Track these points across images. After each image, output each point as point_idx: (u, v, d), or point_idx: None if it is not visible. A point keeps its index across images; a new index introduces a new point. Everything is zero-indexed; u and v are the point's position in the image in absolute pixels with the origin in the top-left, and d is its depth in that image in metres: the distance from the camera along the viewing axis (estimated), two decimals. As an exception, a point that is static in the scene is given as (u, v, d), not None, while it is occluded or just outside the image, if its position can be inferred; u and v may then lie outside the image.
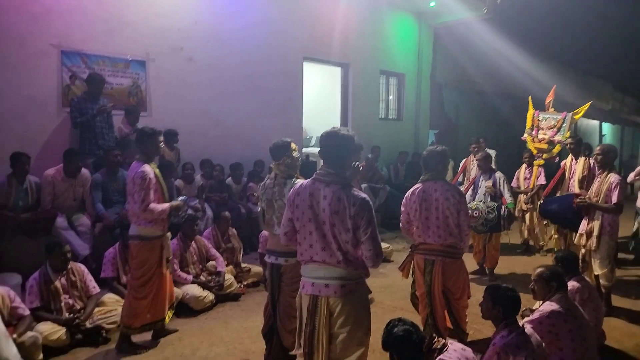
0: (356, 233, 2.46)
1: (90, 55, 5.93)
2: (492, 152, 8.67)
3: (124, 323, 3.85)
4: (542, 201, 5.97)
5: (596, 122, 20.98)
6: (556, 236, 5.77)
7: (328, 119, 9.98)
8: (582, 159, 5.80)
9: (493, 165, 6.65)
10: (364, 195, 2.50)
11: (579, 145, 5.98)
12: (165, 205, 3.81)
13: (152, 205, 3.66)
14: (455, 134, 12.00)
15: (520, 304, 2.87)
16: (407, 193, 3.80)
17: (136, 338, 3.98)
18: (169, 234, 3.99)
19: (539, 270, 3.35)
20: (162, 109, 6.58)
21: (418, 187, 3.71)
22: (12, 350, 1.10)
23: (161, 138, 3.91)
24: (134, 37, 6.28)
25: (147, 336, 4.06)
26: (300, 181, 3.24)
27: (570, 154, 5.97)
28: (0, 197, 4.86)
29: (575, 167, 5.84)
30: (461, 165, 7.48)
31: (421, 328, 3.82)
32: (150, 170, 3.71)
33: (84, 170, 5.36)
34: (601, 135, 21.66)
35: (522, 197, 7.19)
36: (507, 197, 5.75)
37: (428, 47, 10.85)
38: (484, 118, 13.34)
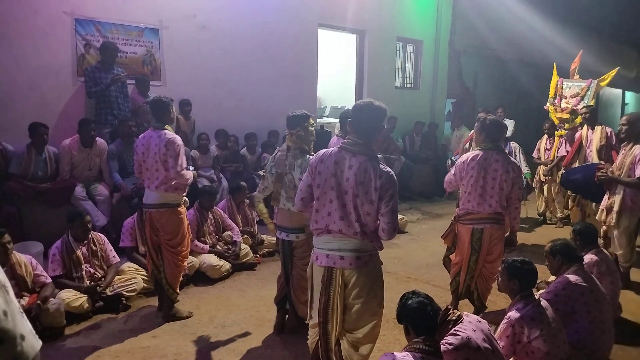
0: (379, 205, 2.45)
1: (104, 23, 5.88)
2: (511, 122, 8.52)
3: (173, 287, 3.91)
4: (563, 171, 5.83)
5: (619, 91, 20.35)
6: (575, 208, 5.68)
7: (343, 89, 9.87)
8: (598, 128, 5.63)
9: (510, 135, 6.55)
10: (389, 169, 2.49)
11: (594, 115, 5.76)
12: (193, 172, 3.90)
13: (185, 170, 3.73)
14: (473, 103, 11.76)
15: (537, 277, 2.85)
16: (464, 157, 3.73)
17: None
18: (187, 199, 4.00)
19: (547, 245, 3.35)
20: (176, 78, 6.55)
21: (478, 155, 3.64)
22: (27, 327, 1.13)
23: (174, 106, 3.92)
24: (147, 4, 6.20)
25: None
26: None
27: (586, 124, 5.79)
28: (19, 167, 4.94)
29: (592, 137, 5.66)
30: (470, 133, 7.28)
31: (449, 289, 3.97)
32: (178, 137, 3.76)
33: (100, 140, 5.40)
34: (624, 104, 21.06)
35: (541, 169, 7.07)
36: (523, 167, 5.66)
37: (447, 13, 10.51)
38: (503, 86, 13.02)
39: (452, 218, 3.93)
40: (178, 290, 4.01)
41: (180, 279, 4.07)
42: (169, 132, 3.72)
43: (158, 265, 3.91)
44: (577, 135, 5.96)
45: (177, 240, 3.86)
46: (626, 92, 20.88)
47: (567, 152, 6.42)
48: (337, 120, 8.96)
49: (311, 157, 3.22)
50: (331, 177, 2.49)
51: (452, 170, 3.83)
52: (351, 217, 2.47)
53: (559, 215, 7.09)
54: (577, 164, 5.79)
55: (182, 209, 3.89)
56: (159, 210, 3.79)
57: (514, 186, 3.62)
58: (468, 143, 6.66)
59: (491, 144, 3.67)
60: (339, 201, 2.48)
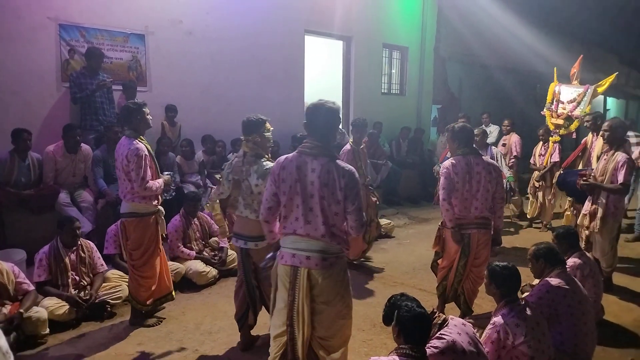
0: (345, 204, 2.48)
1: (89, 29, 5.84)
2: (495, 128, 8.64)
3: (135, 299, 3.87)
4: (561, 172, 5.78)
5: (600, 97, 20.68)
6: (568, 213, 5.63)
7: (330, 94, 9.88)
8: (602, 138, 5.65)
9: (494, 140, 6.65)
10: (350, 167, 2.51)
11: (596, 121, 5.63)
12: (160, 181, 3.74)
13: (150, 183, 3.60)
14: (458, 109, 11.88)
15: (520, 281, 2.86)
16: (447, 164, 3.73)
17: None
18: (162, 209, 3.90)
19: (531, 248, 3.38)
20: (162, 84, 6.51)
21: (459, 160, 3.68)
22: (1, 340, 1.11)
23: (147, 110, 3.71)
24: (133, 10, 6.16)
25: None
26: (269, 163, 3.20)
27: (591, 131, 5.71)
28: (2, 173, 4.87)
29: (595, 143, 5.58)
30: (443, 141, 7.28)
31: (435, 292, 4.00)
32: (143, 146, 3.59)
33: (85, 146, 5.34)
34: (605, 110, 21.44)
35: (536, 174, 7.12)
36: (506, 171, 5.74)
37: (432, 20, 10.64)
38: (487, 92, 13.17)
39: (440, 223, 3.96)
40: (147, 303, 3.89)
41: (154, 298, 3.94)
42: (136, 143, 3.55)
43: None
44: (583, 140, 5.93)
45: (138, 251, 3.76)
46: (607, 97, 21.27)
47: (560, 158, 6.48)
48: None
49: (268, 162, 3.22)
50: (296, 183, 2.50)
51: (445, 180, 3.71)
52: (318, 220, 2.48)
53: (547, 220, 7.16)
54: (579, 167, 5.73)
55: (152, 219, 3.76)
56: (128, 220, 3.73)
57: (497, 185, 3.71)
58: (449, 152, 6.76)
59: (467, 149, 3.73)
60: (305, 205, 2.50)
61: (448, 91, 11.93)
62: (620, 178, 4.34)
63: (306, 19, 8.13)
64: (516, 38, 11.49)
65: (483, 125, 6.79)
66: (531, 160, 7.22)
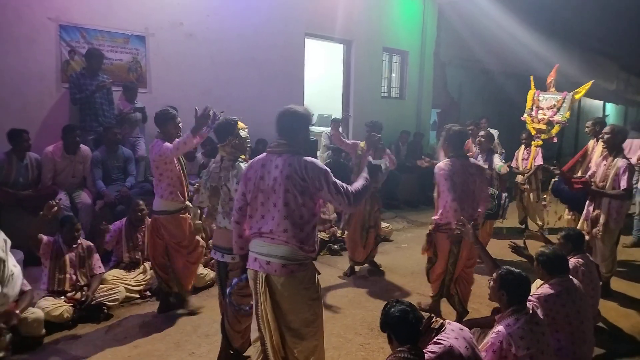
0: (319, 195, 2.53)
1: (89, 30, 5.84)
2: (495, 132, 8.62)
3: (183, 286, 4.22)
4: (556, 179, 5.84)
5: (600, 103, 20.78)
6: (568, 217, 5.63)
7: (330, 98, 9.92)
8: (601, 143, 5.66)
9: (496, 145, 6.65)
10: (311, 158, 2.56)
11: (596, 127, 5.60)
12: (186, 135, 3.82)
13: (176, 141, 3.79)
14: (458, 113, 11.91)
15: (529, 290, 2.79)
16: (444, 165, 3.76)
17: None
18: (189, 204, 4.10)
19: (539, 249, 3.26)
20: (162, 86, 6.51)
21: (454, 163, 3.75)
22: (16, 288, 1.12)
23: (179, 119, 4.04)
24: (133, 11, 6.17)
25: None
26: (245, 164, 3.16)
27: (592, 138, 5.75)
28: (0, 173, 4.86)
29: (595, 149, 5.60)
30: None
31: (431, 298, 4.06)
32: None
33: (84, 147, 5.34)
34: (604, 116, 21.50)
35: (519, 178, 7.20)
36: (497, 161, 5.74)
37: (432, 24, 10.67)
38: (487, 97, 13.21)
39: (430, 229, 3.96)
40: (189, 288, 4.30)
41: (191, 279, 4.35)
42: (160, 143, 3.83)
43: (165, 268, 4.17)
44: (585, 146, 6.00)
45: (183, 242, 4.10)
46: (607, 103, 21.34)
47: (544, 161, 6.60)
48: (324, 129, 9.06)
49: (244, 164, 3.15)
50: (259, 180, 2.56)
51: (447, 181, 3.72)
52: (279, 215, 2.49)
53: (539, 223, 7.18)
54: (579, 173, 5.74)
55: (182, 215, 4.04)
56: (163, 217, 4.00)
57: (482, 184, 3.88)
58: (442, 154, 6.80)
59: (460, 151, 3.86)
60: (269, 202, 2.53)
61: (448, 95, 11.96)
62: (623, 184, 4.35)
63: (307, 22, 8.15)
64: (516, 43, 11.53)
65: (489, 129, 6.78)
66: (513, 164, 7.27)
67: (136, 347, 3.63)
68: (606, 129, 4.67)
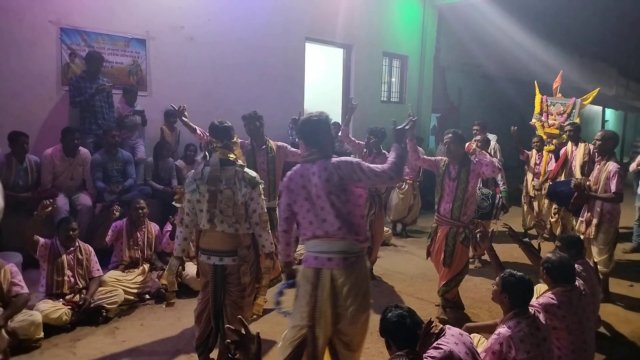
0: (360, 185, 2.62)
1: (90, 33, 5.85)
2: (493, 137, 8.61)
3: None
4: (550, 183, 5.91)
5: (599, 108, 20.81)
6: (553, 219, 5.74)
7: (330, 102, 9.92)
8: (582, 145, 5.77)
9: (494, 150, 6.64)
10: (341, 157, 2.66)
11: (577, 132, 5.91)
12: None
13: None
14: (457, 118, 11.92)
15: (532, 295, 2.79)
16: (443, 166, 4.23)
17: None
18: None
19: (547, 255, 3.25)
20: (162, 89, 6.52)
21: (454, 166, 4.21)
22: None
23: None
24: (134, 15, 6.19)
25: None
26: (253, 172, 3.22)
27: (570, 141, 5.92)
28: None
29: (575, 153, 5.80)
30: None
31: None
32: None
33: (83, 150, 5.34)
34: (604, 121, 21.54)
35: (529, 183, 7.03)
36: (501, 185, 5.75)
37: (432, 29, 10.69)
38: (487, 101, 13.23)
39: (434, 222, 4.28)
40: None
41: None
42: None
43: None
44: (562, 151, 6.10)
45: None
46: (606, 109, 21.37)
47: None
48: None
49: (252, 171, 3.21)
50: (302, 190, 2.67)
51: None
52: (331, 217, 2.60)
53: (555, 229, 7.09)
54: (562, 178, 5.89)
55: None
56: None
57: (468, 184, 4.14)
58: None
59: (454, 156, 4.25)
60: (315, 208, 2.63)
61: (447, 100, 11.97)
62: (613, 187, 4.49)
63: (307, 27, 8.17)
64: (516, 48, 11.56)
65: (487, 135, 6.74)
66: (526, 168, 7.23)
67: (135, 350, 3.61)
68: (597, 136, 4.79)
